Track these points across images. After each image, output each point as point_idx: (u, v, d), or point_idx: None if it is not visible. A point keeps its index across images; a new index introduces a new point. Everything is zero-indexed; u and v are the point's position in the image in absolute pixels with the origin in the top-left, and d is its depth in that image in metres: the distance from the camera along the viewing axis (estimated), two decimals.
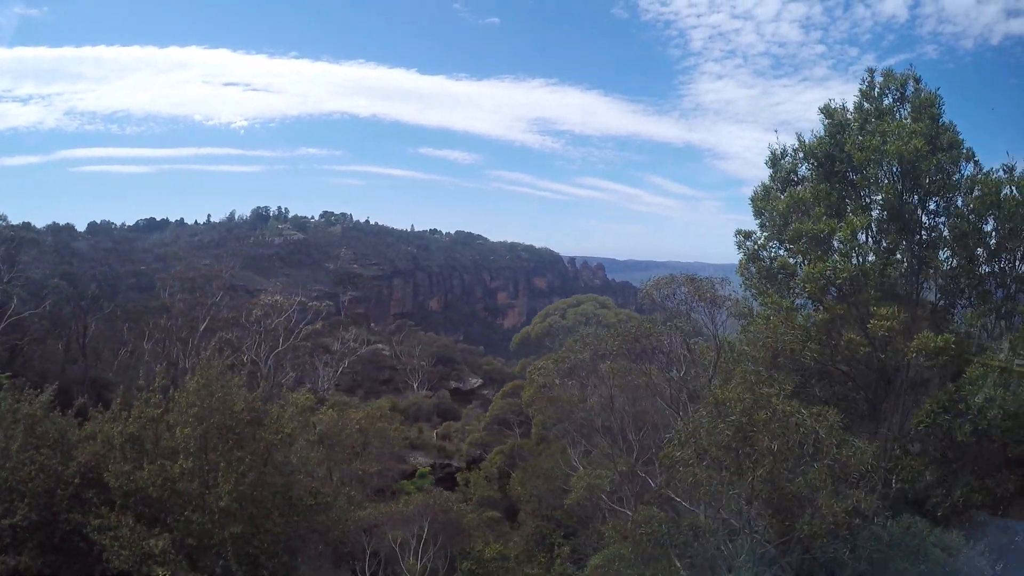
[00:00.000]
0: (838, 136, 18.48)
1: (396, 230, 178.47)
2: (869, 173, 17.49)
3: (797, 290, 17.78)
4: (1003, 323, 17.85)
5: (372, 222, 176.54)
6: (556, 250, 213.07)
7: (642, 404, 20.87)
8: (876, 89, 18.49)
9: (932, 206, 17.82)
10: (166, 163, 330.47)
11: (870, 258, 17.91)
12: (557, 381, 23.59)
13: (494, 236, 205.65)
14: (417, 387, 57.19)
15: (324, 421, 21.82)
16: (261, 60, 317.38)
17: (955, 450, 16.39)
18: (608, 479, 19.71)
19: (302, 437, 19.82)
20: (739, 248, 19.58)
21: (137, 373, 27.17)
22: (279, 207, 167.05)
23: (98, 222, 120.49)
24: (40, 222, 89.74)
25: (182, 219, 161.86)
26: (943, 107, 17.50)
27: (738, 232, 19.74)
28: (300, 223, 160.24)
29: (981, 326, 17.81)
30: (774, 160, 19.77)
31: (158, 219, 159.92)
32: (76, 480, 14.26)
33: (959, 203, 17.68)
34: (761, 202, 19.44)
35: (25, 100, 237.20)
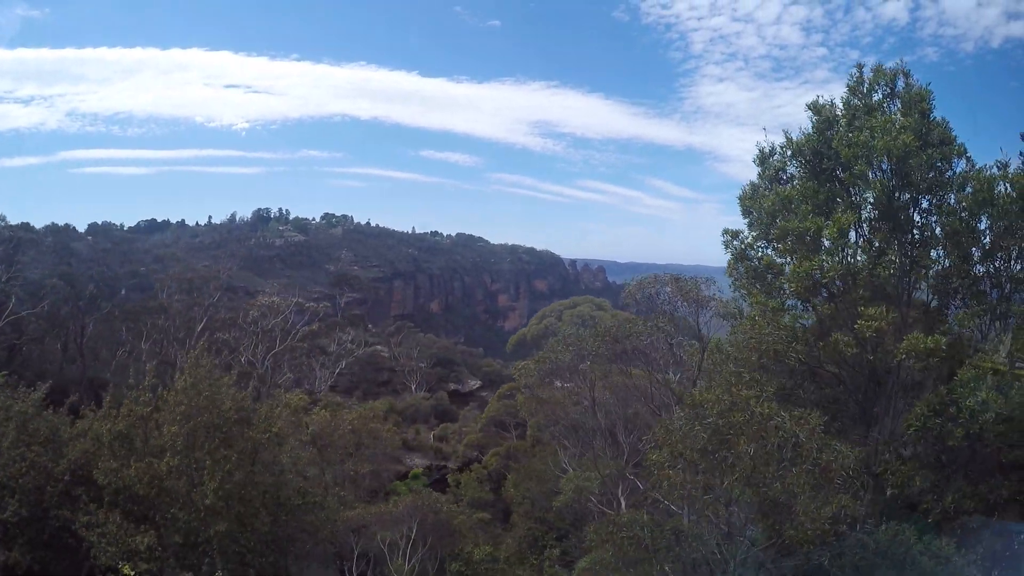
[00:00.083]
0: (826, 133, 18.01)
1: (397, 232, 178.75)
2: (857, 170, 16.93)
3: (785, 290, 17.36)
4: (998, 324, 17.37)
5: (373, 224, 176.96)
6: (557, 252, 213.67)
7: (634, 406, 20.76)
8: (865, 84, 18.03)
9: (924, 204, 17.36)
10: (167, 165, 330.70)
11: (859, 257, 17.46)
12: (537, 382, 23.46)
13: (495, 238, 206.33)
14: (415, 389, 57.21)
15: (316, 421, 21.84)
16: (263, 62, 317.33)
17: (948, 454, 16.07)
18: (597, 481, 19.58)
19: (294, 437, 19.91)
20: (726, 248, 19.14)
21: (140, 374, 27.26)
22: (280, 209, 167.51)
23: (99, 223, 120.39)
24: (41, 223, 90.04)
25: (183, 220, 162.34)
26: (934, 102, 17.06)
27: (725, 231, 19.31)
28: (301, 225, 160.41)
29: (975, 327, 17.33)
30: (762, 158, 19.28)
31: (159, 220, 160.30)
32: (66, 477, 14.45)
33: (951, 201, 17.24)
34: (749, 201, 18.98)
35: (27, 101, 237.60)
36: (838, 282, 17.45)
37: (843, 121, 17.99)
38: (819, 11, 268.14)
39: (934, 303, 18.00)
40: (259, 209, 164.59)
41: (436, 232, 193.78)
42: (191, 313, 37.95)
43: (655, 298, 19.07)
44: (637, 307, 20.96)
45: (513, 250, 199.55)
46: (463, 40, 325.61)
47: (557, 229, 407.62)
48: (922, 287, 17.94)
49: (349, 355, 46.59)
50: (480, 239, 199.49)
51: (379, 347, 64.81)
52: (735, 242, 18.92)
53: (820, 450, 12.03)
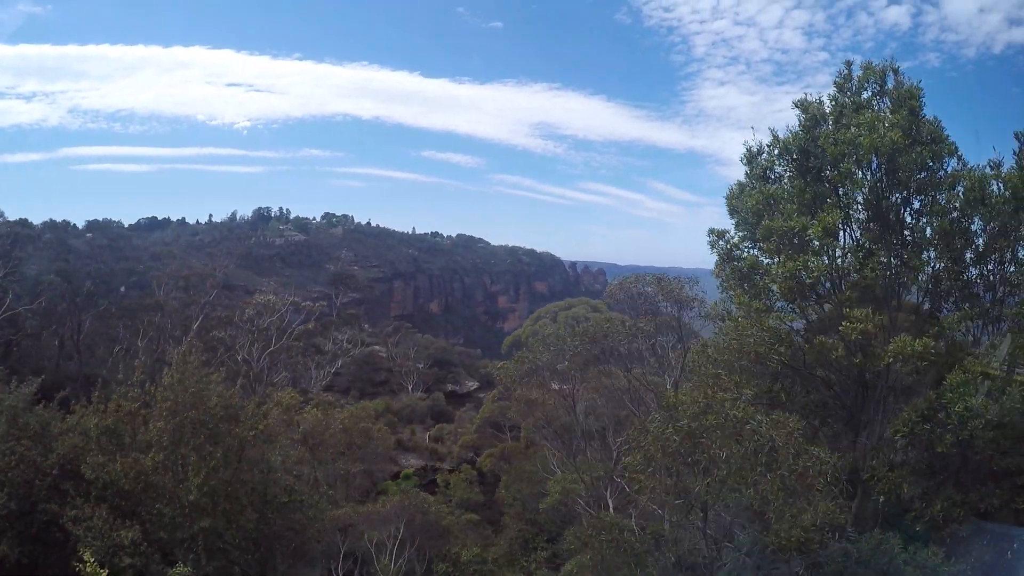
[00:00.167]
0: (814, 131, 17.58)
1: (397, 232, 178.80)
2: (844, 168, 16.47)
3: (772, 291, 16.96)
4: (991, 328, 17.18)
5: (374, 224, 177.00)
6: (557, 254, 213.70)
7: (628, 408, 20.63)
8: (854, 82, 17.65)
9: (916, 205, 16.98)
10: (169, 163, 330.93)
11: (848, 258, 17.06)
12: (516, 382, 23.42)
13: (495, 240, 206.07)
14: (412, 389, 57.30)
15: (308, 420, 21.88)
16: (265, 61, 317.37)
17: (939, 461, 15.85)
18: (586, 483, 19.53)
19: (285, 436, 19.97)
20: (712, 248, 18.80)
21: (130, 369, 27.32)
22: (280, 208, 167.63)
23: (99, 220, 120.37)
24: (42, 220, 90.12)
25: (183, 219, 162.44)
26: (924, 100, 16.65)
27: (711, 231, 18.92)
28: (301, 224, 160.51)
29: (966, 330, 17.09)
30: (750, 157, 18.79)
31: (159, 219, 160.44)
32: (54, 471, 14.49)
33: (942, 200, 16.76)
34: (736, 200, 18.58)
35: (29, 97, 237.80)
36: (827, 284, 17.17)
37: (831, 118, 17.59)
38: (821, 16, 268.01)
39: (926, 306, 17.58)
40: (259, 208, 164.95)
41: (436, 233, 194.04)
42: (187, 311, 38.00)
43: (637, 298, 18.95)
44: (620, 307, 20.87)
45: (513, 251, 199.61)
46: (465, 41, 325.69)
47: (558, 231, 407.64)
48: (913, 290, 17.48)
49: (345, 354, 46.62)
50: (480, 240, 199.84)
51: (377, 347, 64.94)
52: (721, 242, 18.63)
53: (797, 455, 11.68)
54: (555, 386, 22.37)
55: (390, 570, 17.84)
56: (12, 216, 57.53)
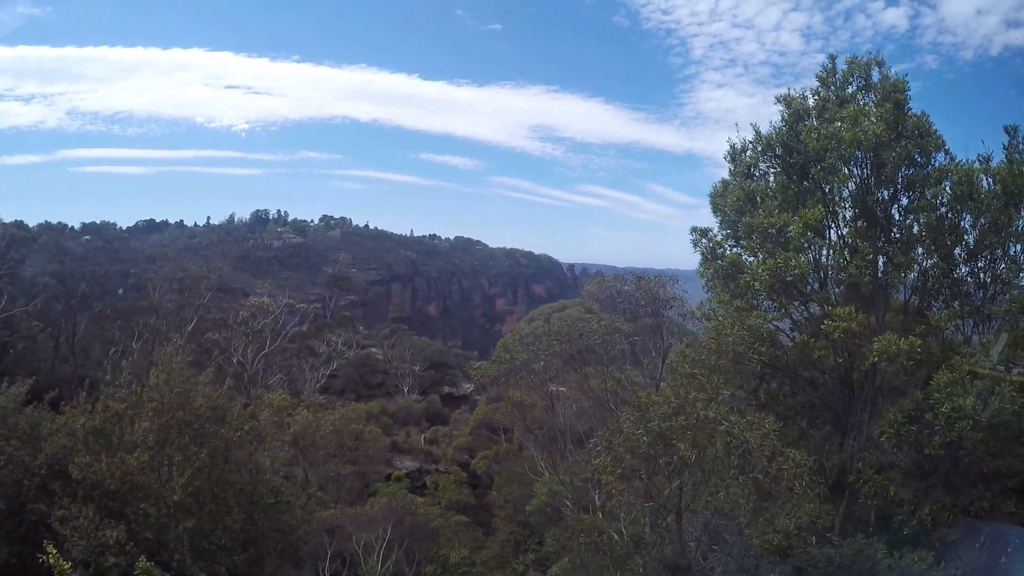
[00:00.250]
0: (796, 126, 17.24)
1: (395, 235, 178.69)
2: (827, 163, 16.08)
3: (754, 289, 16.37)
4: (981, 326, 16.56)
5: (371, 227, 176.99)
6: (555, 257, 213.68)
7: (608, 409, 20.60)
8: (838, 76, 17.35)
9: (904, 201, 16.63)
10: (167, 165, 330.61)
11: (831, 255, 16.82)
12: (491, 383, 23.45)
13: (493, 242, 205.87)
14: (408, 391, 57.47)
15: (298, 422, 21.96)
16: (263, 63, 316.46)
17: (928, 463, 15.48)
18: (570, 485, 19.52)
19: (276, 437, 20.05)
20: (695, 246, 18.48)
21: (118, 370, 27.36)
22: (279, 210, 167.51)
23: (96, 222, 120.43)
24: (39, 221, 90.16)
25: (181, 221, 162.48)
26: (909, 93, 16.30)
27: (694, 229, 18.57)
28: (299, 227, 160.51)
29: (956, 329, 16.45)
30: (733, 154, 18.46)
31: (157, 221, 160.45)
32: (43, 471, 14.58)
33: (928, 195, 16.30)
34: (719, 199, 18.23)
35: (27, 99, 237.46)
36: (814, 283, 16.82)
37: (813, 113, 17.29)
38: (819, 18, 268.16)
39: (916, 304, 17.03)
40: (257, 210, 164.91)
41: (435, 235, 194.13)
42: (182, 313, 38.08)
43: (616, 297, 18.92)
44: (614, 307, 20.83)
45: (511, 254, 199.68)
46: (464, 43, 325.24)
47: (556, 233, 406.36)
48: (900, 288, 17.07)
49: (340, 356, 46.73)
50: (478, 242, 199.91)
51: (373, 349, 65.15)
52: (704, 240, 18.34)
53: (772, 457, 11.36)
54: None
55: (377, 572, 17.81)
56: (8, 218, 57.95)
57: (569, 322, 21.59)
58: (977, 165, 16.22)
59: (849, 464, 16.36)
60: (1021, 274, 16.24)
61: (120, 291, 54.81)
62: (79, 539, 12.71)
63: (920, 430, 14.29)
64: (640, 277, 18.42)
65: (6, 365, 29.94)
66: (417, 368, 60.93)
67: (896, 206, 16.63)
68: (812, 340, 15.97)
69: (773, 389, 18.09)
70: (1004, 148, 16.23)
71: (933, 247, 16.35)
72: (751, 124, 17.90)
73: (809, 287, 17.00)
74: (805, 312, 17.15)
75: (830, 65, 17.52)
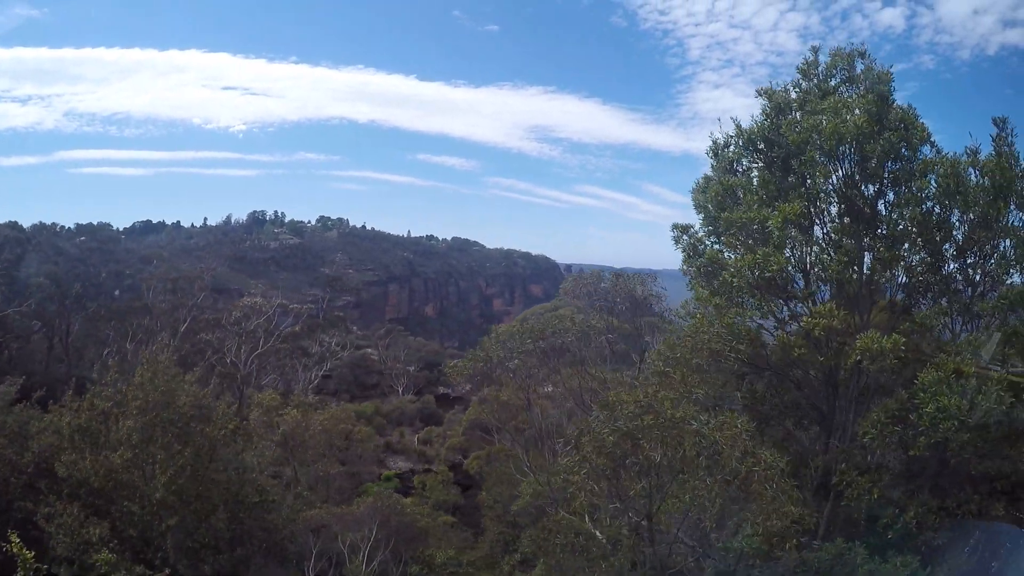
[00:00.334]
0: (777, 119, 16.71)
1: (393, 236, 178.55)
2: (808, 156, 15.55)
3: (733, 285, 15.71)
4: (970, 324, 15.97)
5: (369, 227, 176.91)
6: (553, 257, 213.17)
7: (585, 408, 20.51)
8: (821, 68, 16.87)
9: (892, 197, 15.96)
10: (165, 166, 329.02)
11: (814, 251, 16.29)
12: (467, 380, 23.48)
13: (491, 243, 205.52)
14: (402, 392, 57.59)
15: (287, 422, 22.05)
16: (261, 64, 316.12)
17: (915, 465, 15.13)
18: (547, 486, 19.45)
19: (266, 437, 20.19)
20: (676, 243, 18.02)
21: (104, 369, 27.42)
22: (275, 211, 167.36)
23: (92, 223, 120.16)
24: (33, 222, 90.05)
25: (178, 222, 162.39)
26: (894, 85, 15.81)
27: (675, 226, 18.09)
28: (296, 228, 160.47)
29: (944, 326, 15.93)
30: (716, 150, 17.94)
31: (154, 222, 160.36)
32: (30, 469, 14.78)
33: (913, 189, 15.67)
34: (701, 195, 17.66)
35: (24, 100, 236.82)
36: (799, 281, 16.38)
37: (795, 105, 16.74)
38: (816, 18, 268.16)
39: (903, 301, 16.45)
40: (254, 211, 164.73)
41: (432, 236, 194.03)
42: (176, 314, 38.20)
43: (593, 295, 18.80)
44: (604, 305, 20.71)
45: (508, 254, 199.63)
46: (461, 44, 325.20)
47: (553, 234, 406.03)
48: (888, 286, 16.56)
49: (333, 357, 46.86)
50: (476, 243, 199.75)
51: (369, 350, 65.29)
52: (685, 237, 17.94)
53: (741, 458, 10.95)
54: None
55: (362, 571, 17.81)
56: (2, 219, 58.13)
57: (543, 320, 21.48)
58: (965, 158, 15.75)
59: (833, 465, 15.88)
60: (1011, 271, 15.66)
61: (116, 292, 55.05)
62: (63, 536, 12.87)
63: (905, 431, 13.85)
64: (618, 275, 18.20)
65: (0, 365, 30.01)
66: (412, 369, 61.12)
67: (883, 201, 16.11)
68: (793, 338, 15.64)
69: (757, 388, 17.64)
70: (992, 140, 15.79)
71: (921, 243, 15.94)
72: (731, 118, 17.56)
73: (795, 285, 16.55)
74: (787, 310, 16.70)
75: (812, 57, 17.13)
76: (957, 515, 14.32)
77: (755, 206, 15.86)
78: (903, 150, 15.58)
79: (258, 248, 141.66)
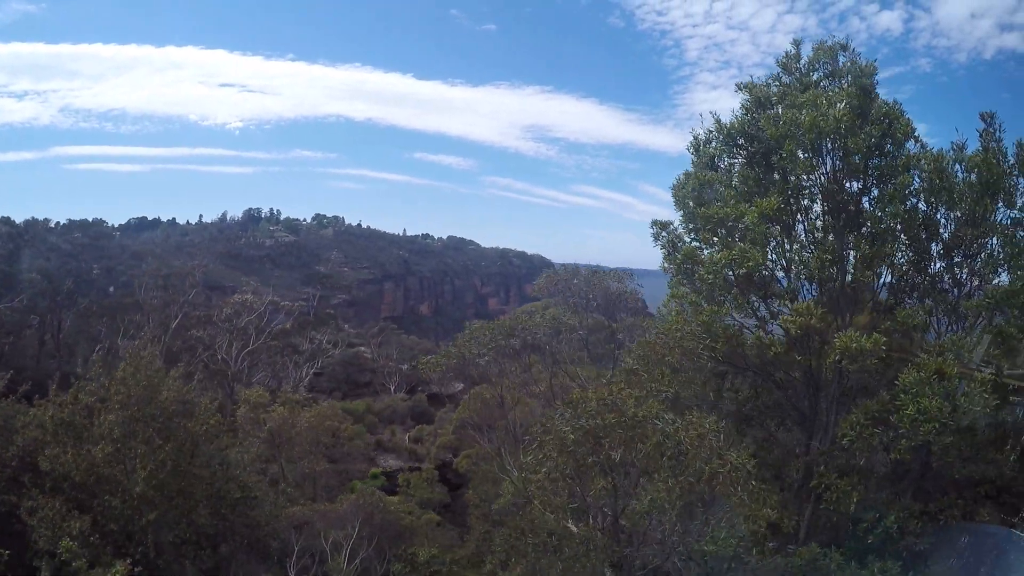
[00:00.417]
0: (757, 113, 16.35)
1: (388, 234, 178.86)
2: (786, 150, 15.12)
3: (709, 282, 15.40)
4: (955, 324, 15.64)
5: (364, 226, 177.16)
6: (548, 257, 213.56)
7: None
8: (803, 62, 16.53)
9: (876, 194, 15.51)
10: (161, 163, 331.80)
11: (793, 247, 15.99)
12: (443, 376, 23.49)
13: (486, 242, 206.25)
14: (395, 390, 57.68)
15: (274, 419, 22.11)
16: (257, 62, 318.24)
17: (900, 468, 15.02)
18: (523, 484, 19.43)
19: (253, 434, 20.25)
20: (655, 240, 17.69)
21: (88, 364, 27.41)
22: (271, 209, 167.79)
23: (85, 219, 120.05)
24: (25, 218, 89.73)
25: (174, 219, 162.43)
26: (877, 79, 15.44)
27: (654, 223, 17.74)
28: (292, 225, 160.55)
29: (927, 326, 15.57)
30: (696, 146, 17.55)
31: (149, 219, 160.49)
32: (14, 463, 14.82)
33: (897, 185, 15.07)
34: (681, 191, 17.25)
35: (21, 96, 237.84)
36: (782, 279, 16.09)
37: (775, 99, 16.40)
38: (813, 20, 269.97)
39: (887, 301, 16.03)
40: (250, 209, 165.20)
41: (427, 235, 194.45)
42: (167, 310, 38.20)
43: (566, 292, 18.75)
44: (587, 303, 20.64)
45: (504, 254, 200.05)
46: (459, 43, 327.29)
47: (549, 233, 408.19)
48: (873, 284, 15.97)
49: (324, 354, 46.93)
50: (471, 242, 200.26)
51: (362, 348, 65.44)
52: (664, 234, 17.66)
53: (707, 460, 10.62)
54: (496, 384, 22.03)
55: (343, 569, 17.84)
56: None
57: (513, 316, 21.55)
58: (950, 154, 15.41)
59: (814, 468, 15.49)
60: (999, 270, 15.27)
61: (110, 288, 54.97)
62: (44, 530, 12.95)
63: (886, 432, 13.47)
64: (593, 272, 18.18)
65: None
66: (404, 367, 61.13)
67: (867, 198, 15.70)
68: (770, 337, 15.38)
69: (737, 388, 17.63)
70: (980, 135, 15.45)
71: (906, 241, 15.58)
72: (710, 112, 17.16)
73: (778, 283, 16.32)
74: (764, 308, 16.43)
75: (794, 51, 16.75)
76: (940, 520, 14.11)
77: (732, 202, 15.52)
78: (887, 145, 15.22)
79: (253, 245, 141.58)
